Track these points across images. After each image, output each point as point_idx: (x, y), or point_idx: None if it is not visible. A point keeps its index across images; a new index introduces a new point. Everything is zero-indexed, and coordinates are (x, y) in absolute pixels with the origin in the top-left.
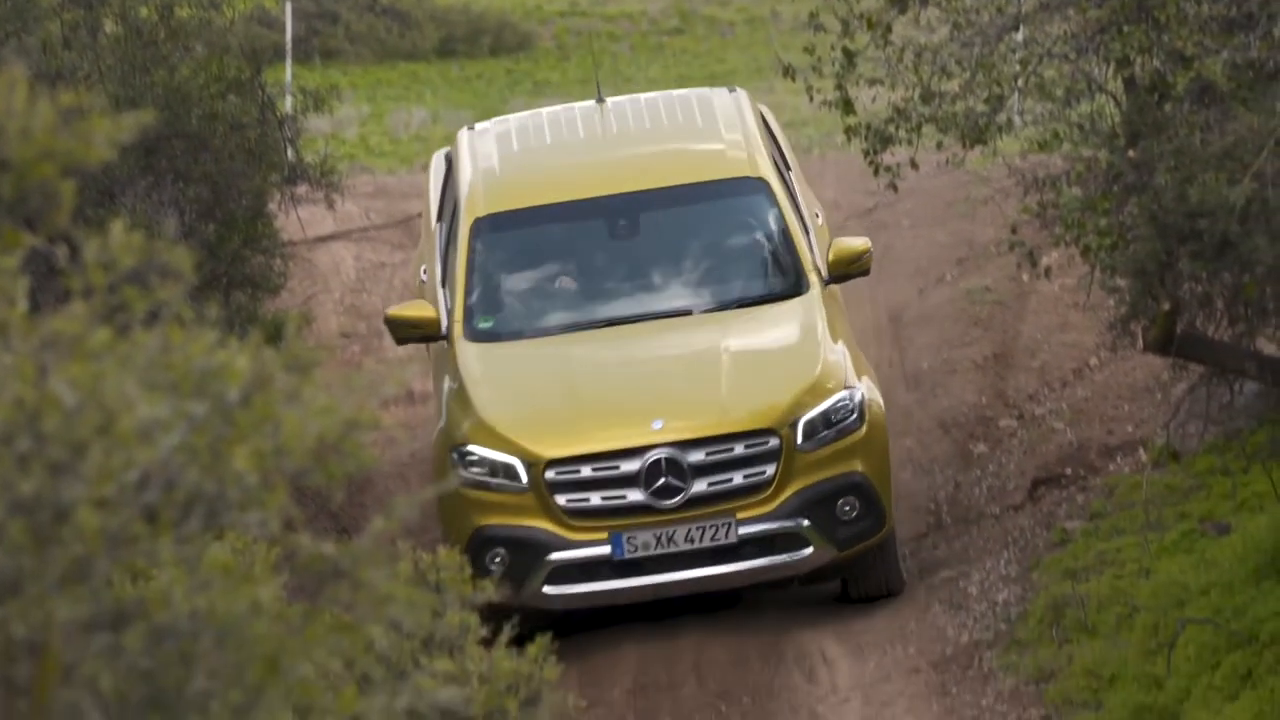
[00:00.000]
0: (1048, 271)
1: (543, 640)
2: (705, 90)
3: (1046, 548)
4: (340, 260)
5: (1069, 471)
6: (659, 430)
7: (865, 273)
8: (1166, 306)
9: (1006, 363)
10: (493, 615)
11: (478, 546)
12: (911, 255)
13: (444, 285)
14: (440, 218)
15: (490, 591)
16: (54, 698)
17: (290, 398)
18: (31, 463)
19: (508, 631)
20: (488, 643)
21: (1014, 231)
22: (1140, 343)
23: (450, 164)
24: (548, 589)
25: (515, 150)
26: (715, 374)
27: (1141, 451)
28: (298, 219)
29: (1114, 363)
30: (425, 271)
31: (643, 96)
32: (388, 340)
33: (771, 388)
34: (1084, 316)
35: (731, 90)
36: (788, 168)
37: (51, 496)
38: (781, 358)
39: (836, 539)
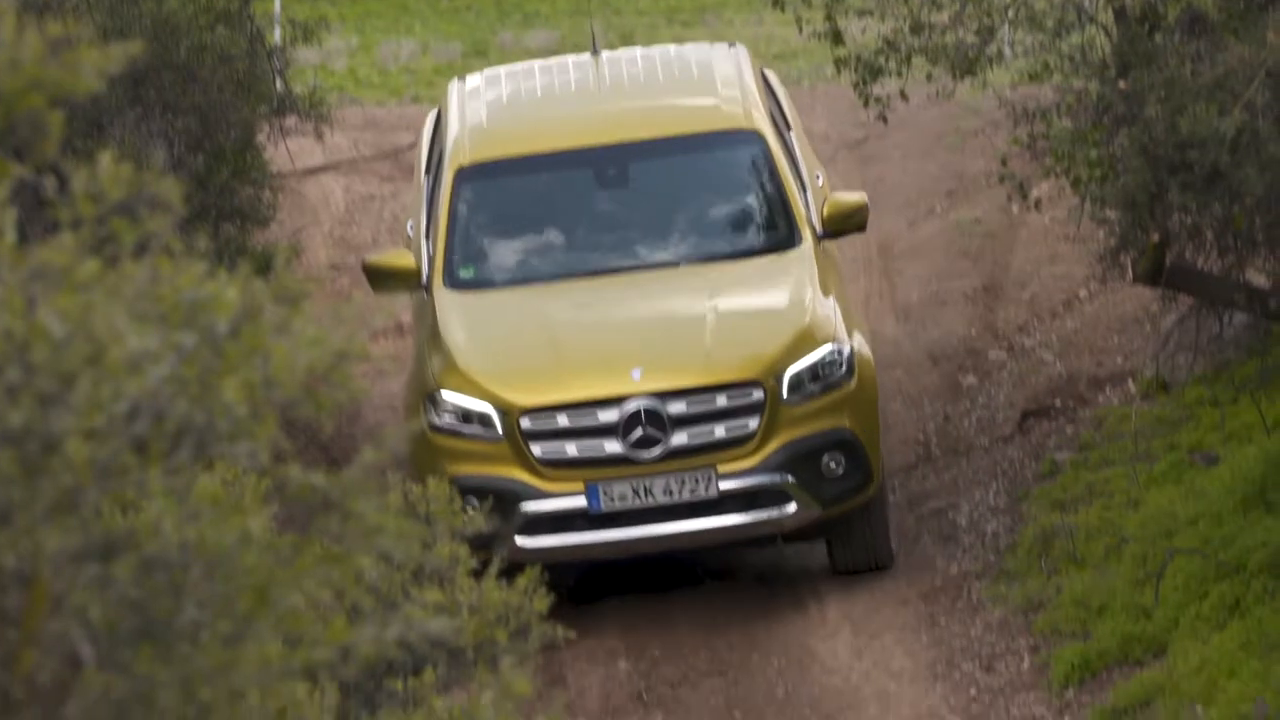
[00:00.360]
0: (1037, 203)
1: (532, 572)
2: (704, 45)
3: (1035, 479)
4: (329, 192)
5: (1058, 403)
6: (639, 380)
7: (861, 229)
8: (1156, 238)
9: (996, 295)
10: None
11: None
12: (901, 187)
13: (427, 237)
14: (427, 170)
15: (480, 523)
16: (44, 628)
17: (279, 329)
18: (20, 394)
19: (497, 563)
20: (477, 574)
21: (1004, 163)
22: (1129, 274)
23: (439, 117)
24: (521, 540)
25: (504, 102)
26: (699, 324)
27: (1130, 383)
28: (287, 151)
29: (1103, 294)
30: (412, 226)
31: (639, 51)
32: None
33: (757, 339)
34: (1073, 248)
35: (732, 46)
36: (788, 127)
37: (41, 427)
38: (769, 309)
39: (821, 496)
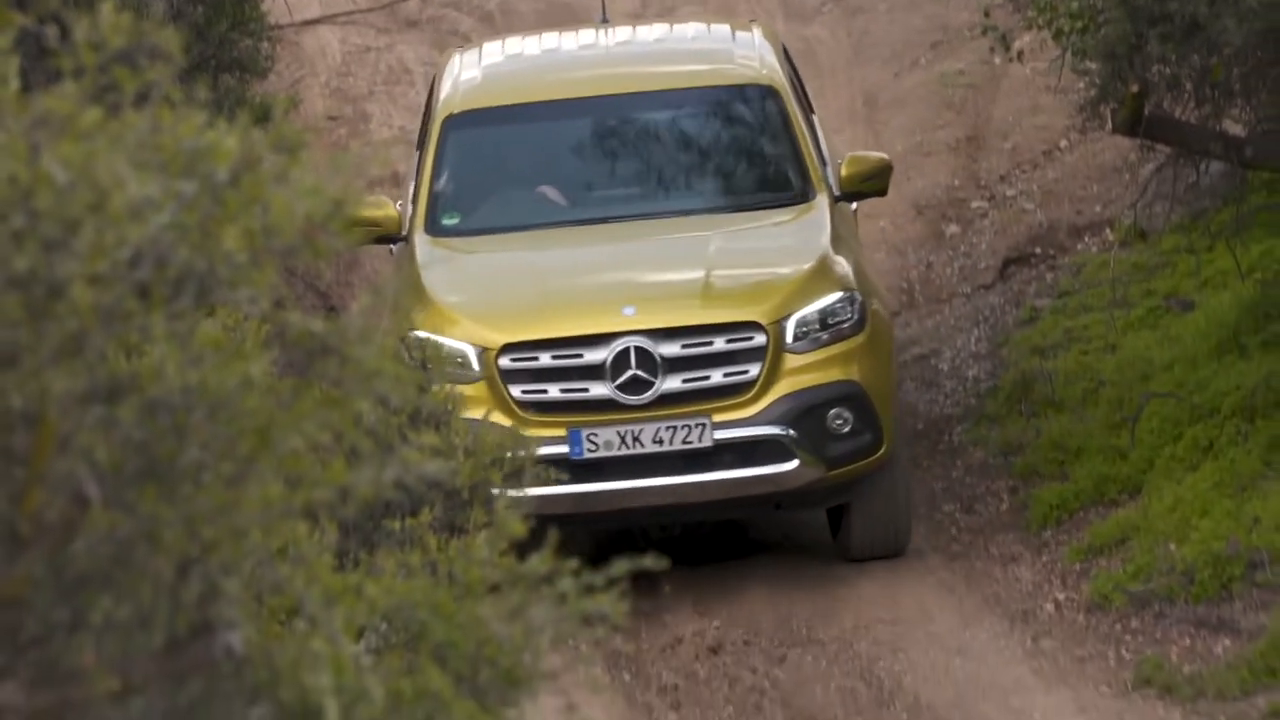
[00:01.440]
0: (1020, 55)
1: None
2: (722, 23)
3: (1016, 325)
4: (326, 44)
5: (1038, 251)
6: (630, 317)
7: (883, 192)
8: (1135, 89)
9: (978, 145)
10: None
11: None
12: (887, 39)
13: (414, 200)
14: (420, 145)
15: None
16: (51, 467)
17: (278, 178)
18: (25, 239)
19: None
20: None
21: (987, 15)
22: (1109, 124)
23: (432, 86)
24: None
25: (502, 60)
26: (699, 264)
27: (1109, 231)
28: (284, 2)
29: (1083, 144)
30: (401, 204)
31: (655, 26)
32: (374, 123)
33: (761, 279)
34: (1054, 99)
35: (752, 22)
36: (810, 110)
37: (46, 273)
38: (775, 251)
39: (826, 455)
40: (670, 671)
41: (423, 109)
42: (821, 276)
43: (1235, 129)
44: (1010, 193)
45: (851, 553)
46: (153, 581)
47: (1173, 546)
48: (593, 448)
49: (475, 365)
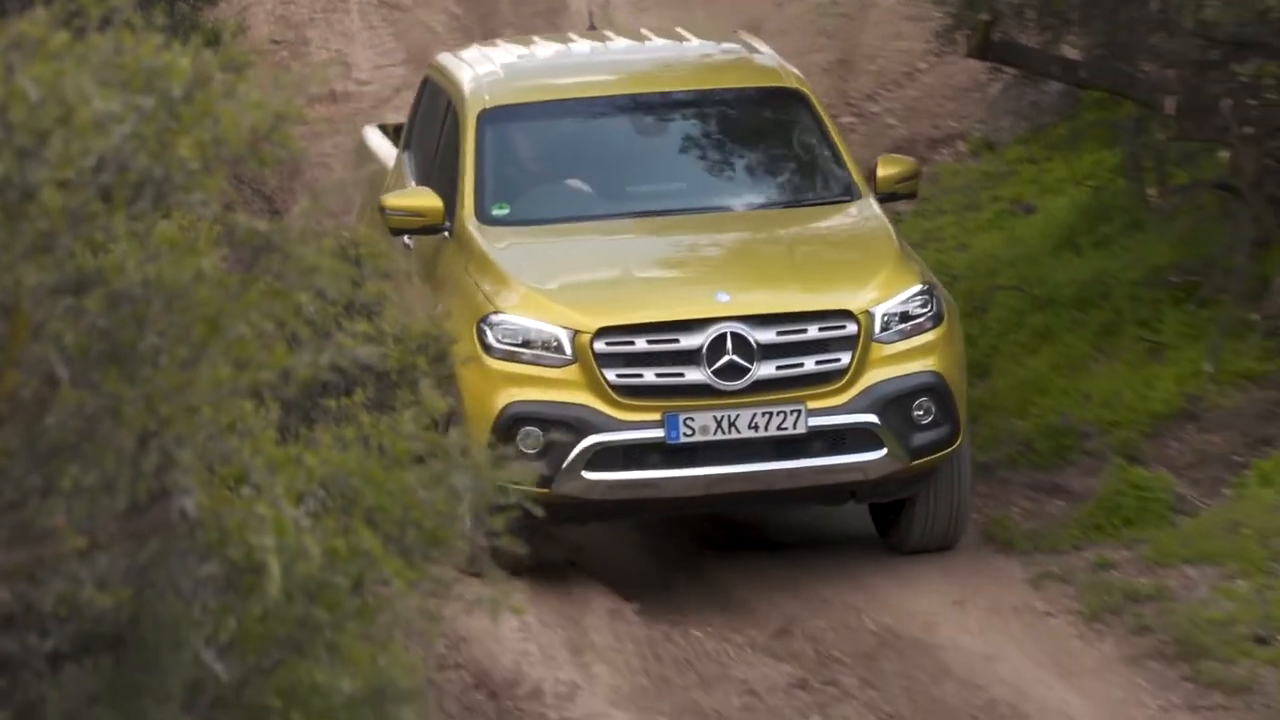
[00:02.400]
0: None
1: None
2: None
3: None
4: None
5: None
6: (725, 303)
7: (913, 195)
8: (985, 17)
9: (848, 67)
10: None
11: (507, 425)
12: None
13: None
14: (408, 146)
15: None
16: (25, 352)
17: (227, 94)
18: (1, 149)
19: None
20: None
21: None
22: (962, 49)
23: (426, 85)
24: (588, 474)
25: (520, 60)
26: (784, 254)
27: (961, 144)
28: None
29: (939, 67)
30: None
31: (650, 31)
32: (313, 46)
33: (847, 270)
34: (915, 26)
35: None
36: None
37: (19, 178)
38: (853, 244)
39: (909, 445)
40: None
41: (414, 106)
42: (900, 270)
43: (1072, 53)
44: (875, 110)
45: (907, 546)
46: (116, 452)
47: (1015, 421)
48: (689, 432)
49: (568, 349)
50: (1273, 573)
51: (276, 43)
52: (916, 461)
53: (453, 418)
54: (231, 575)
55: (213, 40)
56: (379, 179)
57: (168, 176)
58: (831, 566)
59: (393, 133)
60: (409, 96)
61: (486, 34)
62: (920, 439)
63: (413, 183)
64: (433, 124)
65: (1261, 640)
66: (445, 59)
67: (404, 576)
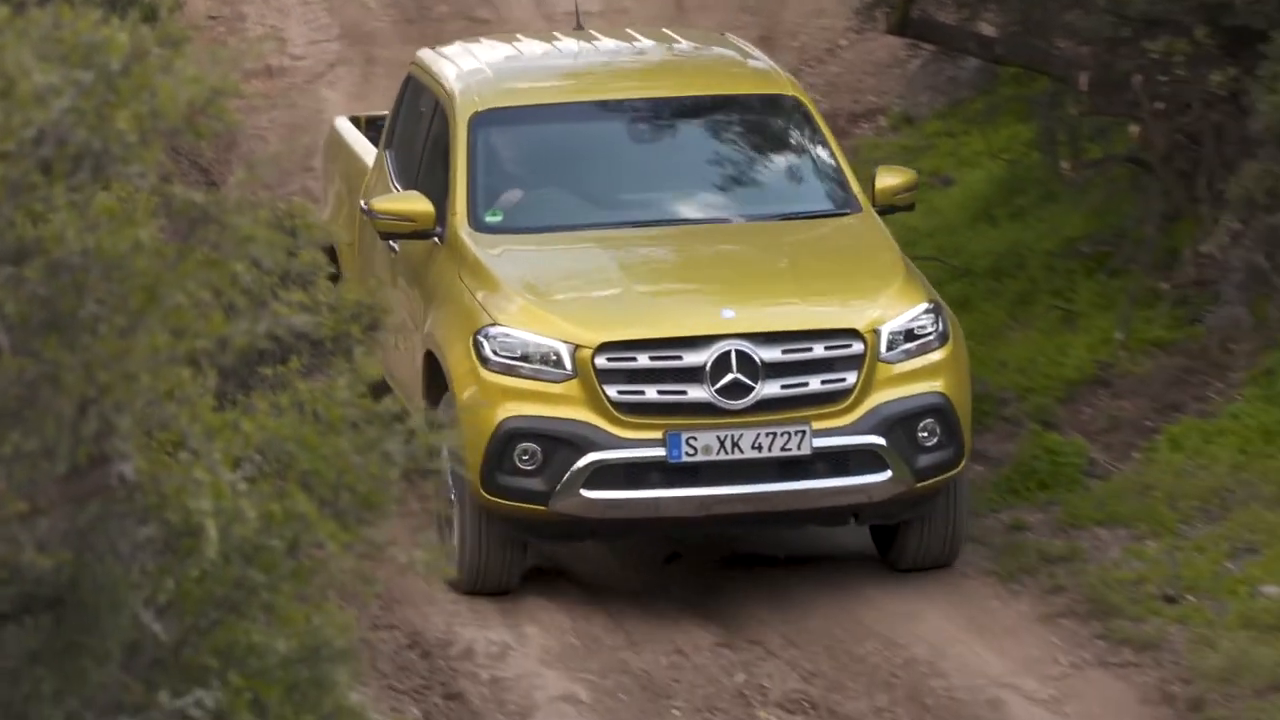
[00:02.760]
0: None
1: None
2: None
3: None
4: None
5: None
6: (730, 320)
7: (910, 207)
8: None
9: (772, 43)
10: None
11: (503, 441)
12: None
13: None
14: (389, 145)
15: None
16: None
17: (164, 69)
18: None
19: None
20: (335, 279)
21: None
22: (883, 26)
23: (409, 83)
24: (586, 492)
25: (503, 60)
26: (788, 270)
27: (881, 118)
28: None
29: (860, 43)
30: (367, 203)
31: (642, 31)
32: (249, 21)
33: (853, 288)
34: (836, 4)
35: (723, 34)
36: None
37: None
38: (857, 260)
39: (915, 466)
40: None
41: (396, 104)
42: (905, 288)
43: (989, 30)
44: (799, 84)
45: (903, 564)
46: (55, 418)
47: None
48: (691, 452)
49: (568, 364)
50: (1181, 534)
51: (213, 18)
52: (921, 484)
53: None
54: (169, 538)
55: (150, 15)
56: (355, 175)
57: (106, 149)
58: (757, 530)
59: (364, 125)
60: (343, 71)
61: (421, 11)
62: (925, 461)
63: (396, 184)
64: (417, 124)
65: (1170, 599)
66: (428, 56)
67: (338, 539)
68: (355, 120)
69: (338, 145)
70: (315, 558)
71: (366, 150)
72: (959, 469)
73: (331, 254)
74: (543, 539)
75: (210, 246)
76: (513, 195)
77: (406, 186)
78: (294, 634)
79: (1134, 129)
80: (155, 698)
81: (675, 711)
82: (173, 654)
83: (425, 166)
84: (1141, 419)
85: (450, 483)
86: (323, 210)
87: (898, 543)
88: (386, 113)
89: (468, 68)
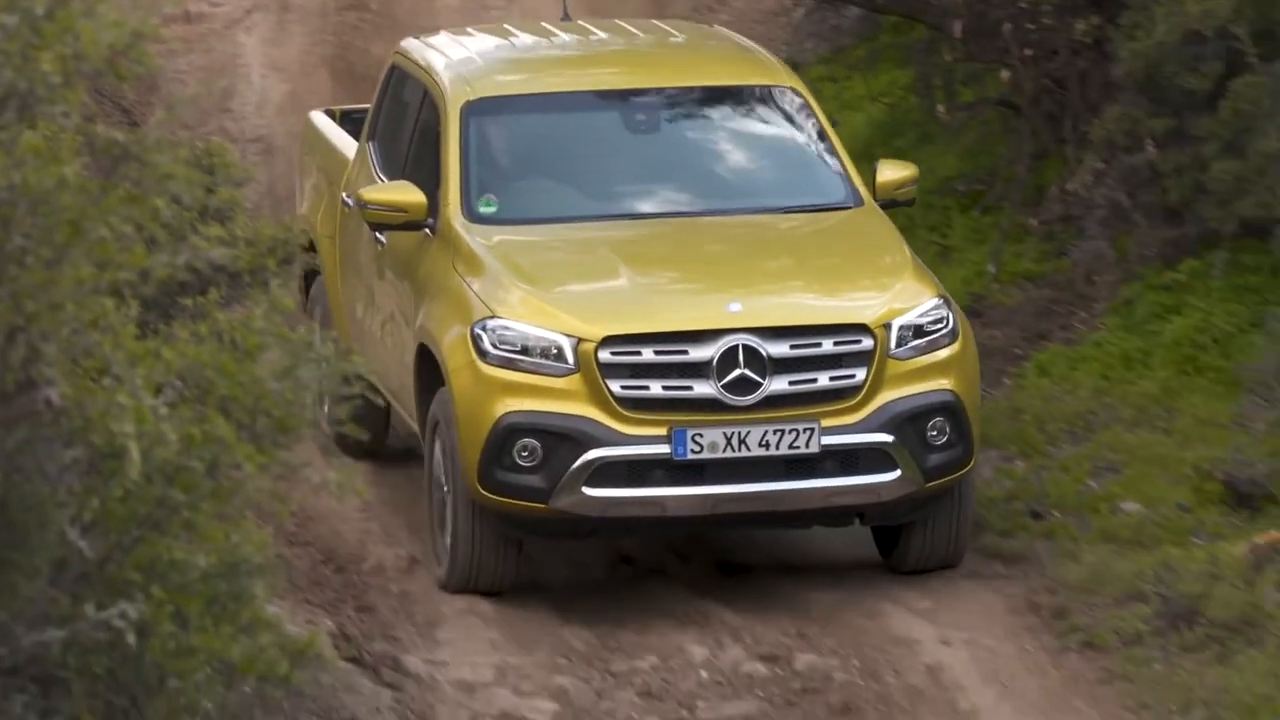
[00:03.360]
0: None
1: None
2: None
3: None
4: None
5: None
6: (737, 313)
7: (911, 202)
8: None
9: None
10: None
11: (502, 437)
12: None
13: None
14: (373, 136)
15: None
16: None
17: (87, 13)
18: None
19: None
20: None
21: None
22: None
23: (393, 72)
24: (589, 490)
25: (492, 48)
26: (795, 262)
27: None
28: None
29: None
30: (350, 196)
31: (619, 21)
32: None
33: (861, 281)
34: None
35: (713, 27)
36: None
37: None
38: (865, 254)
39: (924, 466)
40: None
41: (379, 95)
42: (915, 282)
43: None
44: None
45: (906, 567)
46: None
47: None
48: (697, 449)
49: (570, 357)
50: (1048, 455)
51: None
52: (931, 484)
53: (440, 424)
54: (94, 460)
55: None
56: (335, 168)
57: (31, 90)
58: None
59: (339, 118)
60: (259, 18)
61: None
62: (935, 460)
63: (381, 175)
64: (404, 115)
65: (1037, 515)
66: (413, 45)
67: (254, 461)
68: (330, 113)
69: (314, 138)
70: (233, 478)
71: (345, 143)
72: (968, 469)
73: (310, 247)
74: (541, 536)
75: (132, 183)
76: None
77: (392, 178)
78: (213, 550)
79: (1005, 74)
80: (81, 610)
81: (575, 624)
82: (98, 569)
83: (413, 157)
84: (1011, 347)
85: (442, 478)
86: (300, 204)
87: (901, 545)
88: (365, 106)
89: (457, 57)
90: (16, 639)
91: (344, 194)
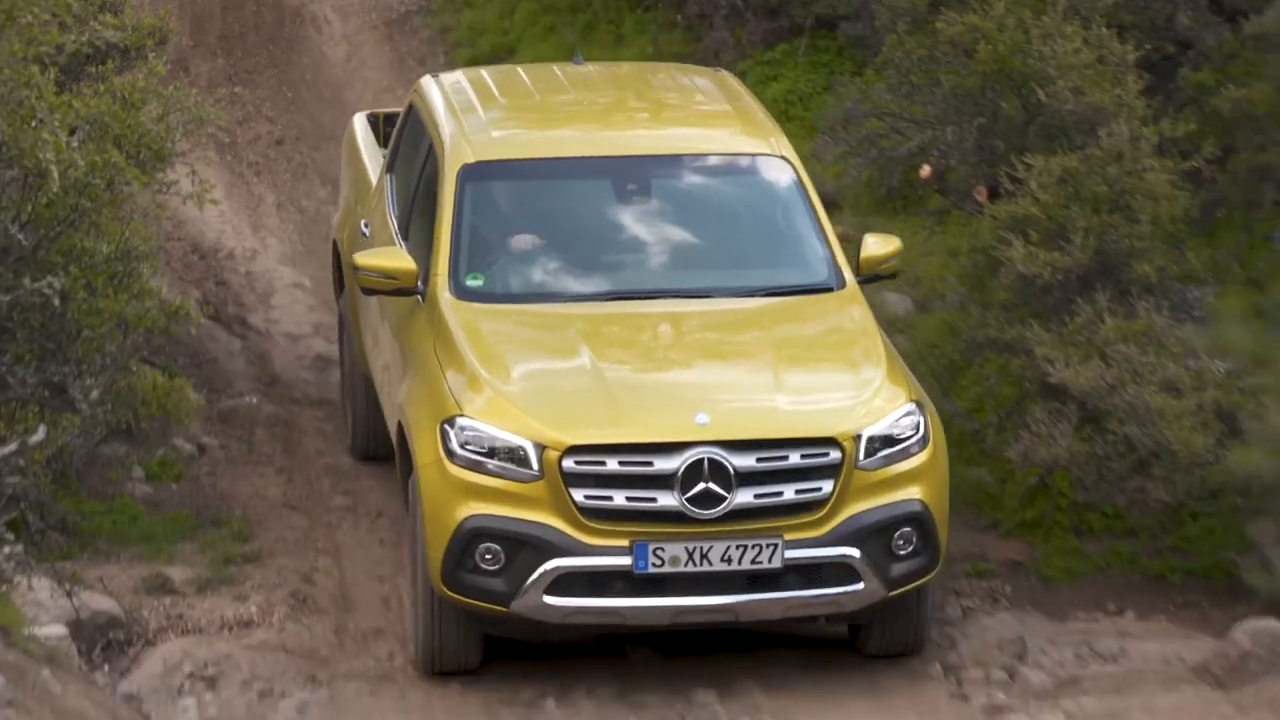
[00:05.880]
0: None
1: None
2: (691, 68)
3: None
4: None
5: None
6: (704, 426)
7: (894, 275)
8: None
9: None
10: (483, 624)
11: (465, 540)
12: None
13: (405, 238)
14: (391, 169)
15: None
16: None
17: None
18: None
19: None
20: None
21: None
22: None
23: (411, 111)
24: (549, 599)
25: (502, 101)
26: (768, 370)
27: None
28: None
29: None
30: (368, 225)
31: (627, 66)
32: None
33: (834, 390)
34: None
35: (717, 71)
36: None
37: None
38: (840, 357)
39: (888, 576)
40: (255, 154)
41: (398, 129)
42: (889, 386)
43: None
44: None
45: (868, 652)
46: None
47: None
48: (658, 562)
49: (535, 464)
50: None
51: None
52: (894, 592)
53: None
54: (28, 178)
55: None
56: (362, 186)
57: None
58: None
59: (383, 123)
60: None
61: None
62: (900, 570)
63: (393, 214)
64: (414, 159)
65: None
66: (428, 86)
67: (139, 180)
68: (374, 118)
69: (352, 148)
70: (125, 193)
71: (374, 159)
72: (932, 576)
73: (336, 257)
74: (502, 635)
75: None
76: (524, 240)
77: (401, 223)
78: (112, 241)
79: None
80: (21, 282)
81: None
82: (31, 254)
83: (417, 208)
84: None
85: (413, 572)
86: (336, 211)
87: (863, 634)
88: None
89: (461, 110)
90: None
91: (362, 222)
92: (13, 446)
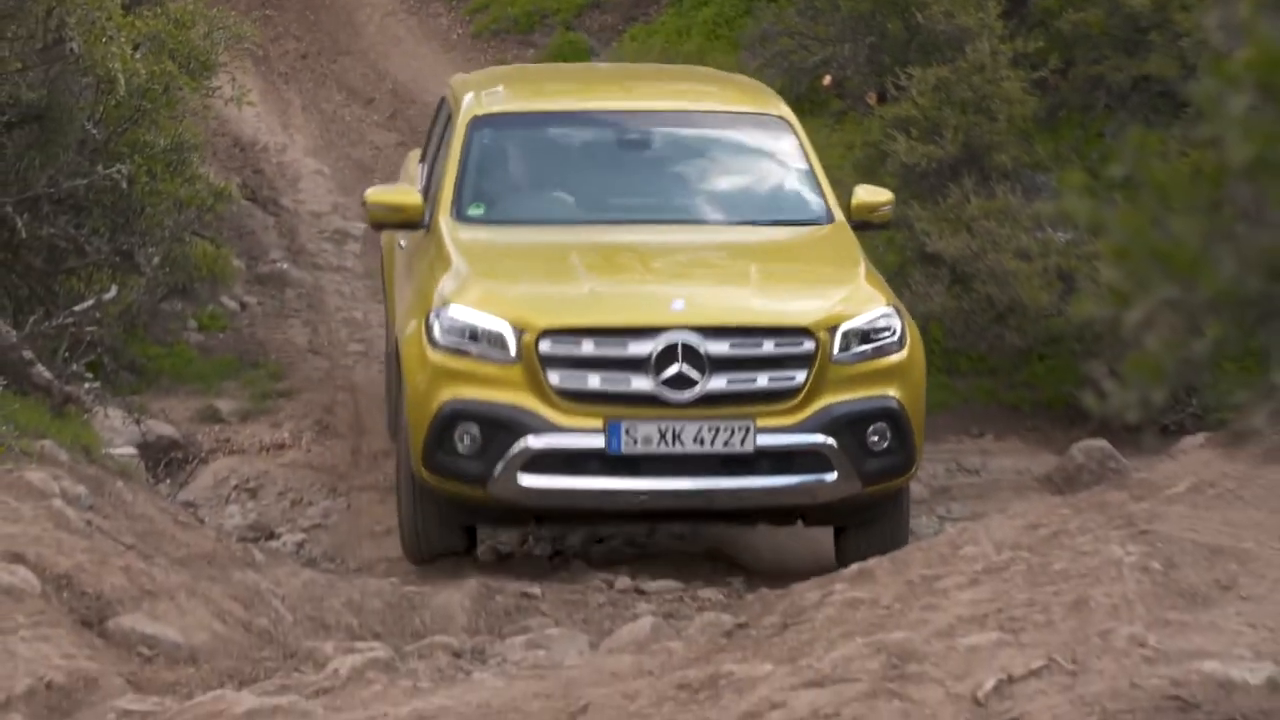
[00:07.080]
0: None
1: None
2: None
3: None
4: None
5: None
6: (679, 312)
7: (886, 225)
8: None
9: None
10: (462, 512)
11: (445, 421)
12: None
13: (438, 190)
14: (424, 158)
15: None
16: None
17: None
18: None
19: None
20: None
21: None
22: None
23: (441, 105)
24: (524, 479)
25: (519, 79)
26: (745, 265)
27: None
28: None
29: None
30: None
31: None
32: None
33: (809, 286)
34: None
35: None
36: None
37: None
38: (818, 262)
39: (863, 470)
40: (284, 66)
41: (431, 125)
42: (865, 290)
43: None
44: None
45: (847, 560)
46: (33, 15)
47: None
48: (631, 443)
49: (512, 347)
50: None
51: None
52: (869, 487)
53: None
54: (100, 83)
55: None
56: (413, 170)
57: None
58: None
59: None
60: None
61: None
62: (874, 465)
63: (424, 175)
64: (437, 136)
65: None
66: (457, 79)
67: (190, 87)
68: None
69: (404, 179)
70: (178, 96)
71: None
72: (908, 476)
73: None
74: (482, 522)
75: None
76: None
77: (428, 177)
78: (168, 136)
79: None
80: (95, 169)
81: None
82: (103, 146)
83: (434, 170)
84: (615, 25)
85: (399, 466)
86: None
87: (840, 541)
88: None
89: (486, 88)
90: (60, 184)
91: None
92: (90, 302)
